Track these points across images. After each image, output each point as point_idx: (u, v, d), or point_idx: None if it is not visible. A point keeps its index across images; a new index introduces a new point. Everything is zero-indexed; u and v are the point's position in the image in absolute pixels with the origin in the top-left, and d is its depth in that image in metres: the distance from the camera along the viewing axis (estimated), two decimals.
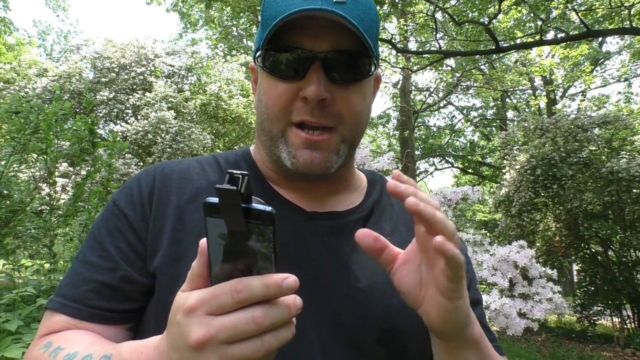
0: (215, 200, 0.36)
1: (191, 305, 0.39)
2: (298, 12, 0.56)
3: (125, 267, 0.62)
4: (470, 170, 18.10)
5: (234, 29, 14.49)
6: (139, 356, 0.46)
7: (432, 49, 12.30)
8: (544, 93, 14.69)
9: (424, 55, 10.84)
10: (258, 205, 0.36)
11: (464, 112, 19.12)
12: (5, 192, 2.62)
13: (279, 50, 0.61)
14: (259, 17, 0.70)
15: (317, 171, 0.63)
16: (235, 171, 0.36)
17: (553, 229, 9.15)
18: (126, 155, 8.01)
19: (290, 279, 0.39)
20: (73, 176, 5.74)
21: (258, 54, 0.64)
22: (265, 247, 0.38)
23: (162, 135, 8.66)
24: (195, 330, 0.38)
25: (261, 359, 0.39)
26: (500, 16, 8.79)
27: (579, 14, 6.93)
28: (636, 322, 7.48)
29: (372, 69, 0.64)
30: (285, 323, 0.40)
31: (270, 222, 0.36)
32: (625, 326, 7.60)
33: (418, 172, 17.14)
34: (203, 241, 0.40)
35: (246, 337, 0.38)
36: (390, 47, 8.76)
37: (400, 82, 14.27)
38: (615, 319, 7.91)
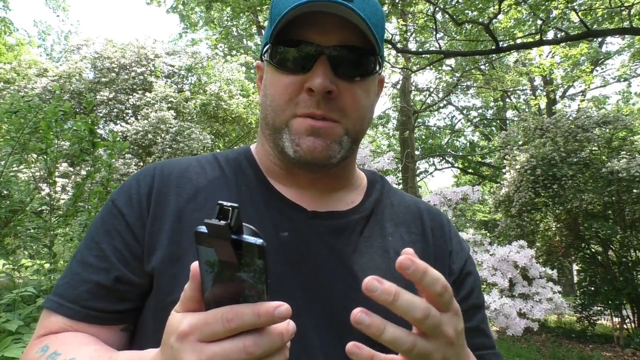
0: (205, 229, 0.36)
1: (184, 331, 0.39)
2: (305, 4, 0.56)
3: (120, 268, 0.62)
4: (470, 170, 18.10)
5: (234, 29, 14.49)
6: None
7: (432, 49, 12.31)
8: (544, 93, 14.69)
9: (424, 56, 10.84)
10: (249, 238, 0.36)
11: (464, 112, 19.13)
12: (5, 192, 2.61)
13: (286, 44, 0.61)
14: (268, 14, 0.70)
15: (320, 158, 0.62)
16: (225, 203, 0.36)
17: (553, 229, 9.14)
18: (126, 155, 8.00)
19: (282, 307, 0.38)
20: (73, 176, 5.74)
21: (265, 48, 0.64)
22: (257, 277, 0.37)
23: (162, 135, 8.66)
24: (187, 356, 0.38)
25: None
26: (500, 16, 8.78)
27: (579, 14, 6.93)
28: (636, 322, 7.48)
29: (377, 68, 0.64)
30: (277, 350, 0.40)
31: (261, 254, 0.36)
32: (625, 326, 7.60)
33: (418, 172, 17.13)
34: (195, 265, 0.39)
35: None
36: (390, 47, 8.75)
37: (400, 82, 14.26)
38: (615, 319, 7.91)
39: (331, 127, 0.62)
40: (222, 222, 0.34)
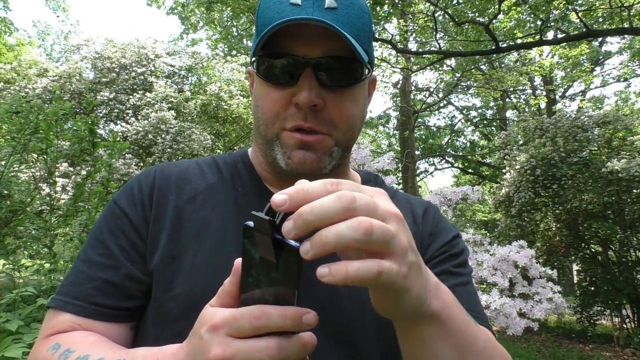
0: (252, 223, 0.38)
1: (215, 324, 0.41)
2: (287, 21, 0.56)
3: (128, 265, 0.63)
4: (470, 170, 18.09)
5: (234, 29, 14.49)
6: None
7: (432, 49, 12.29)
8: (544, 93, 14.69)
9: (424, 56, 10.84)
10: (290, 241, 0.36)
11: (464, 112, 19.12)
12: (5, 192, 2.62)
13: (272, 56, 0.62)
14: (255, 24, 0.70)
15: (311, 170, 0.63)
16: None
17: (553, 229, 9.14)
18: (126, 155, 8.01)
19: (310, 314, 0.39)
20: (73, 176, 5.75)
21: (253, 59, 0.65)
22: (290, 281, 0.38)
23: (163, 135, 8.65)
24: (214, 348, 0.40)
25: None
26: (500, 16, 8.78)
27: (579, 14, 6.93)
28: (636, 322, 7.49)
29: (365, 74, 0.65)
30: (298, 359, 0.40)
31: (297, 258, 0.36)
32: (625, 326, 7.60)
33: (418, 172, 17.12)
34: (238, 261, 0.41)
35: None
36: (390, 47, 8.75)
37: (400, 82, 14.26)
38: (615, 319, 7.91)
39: (321, 140, 0.63)
40: (267, 217, 0.36)
